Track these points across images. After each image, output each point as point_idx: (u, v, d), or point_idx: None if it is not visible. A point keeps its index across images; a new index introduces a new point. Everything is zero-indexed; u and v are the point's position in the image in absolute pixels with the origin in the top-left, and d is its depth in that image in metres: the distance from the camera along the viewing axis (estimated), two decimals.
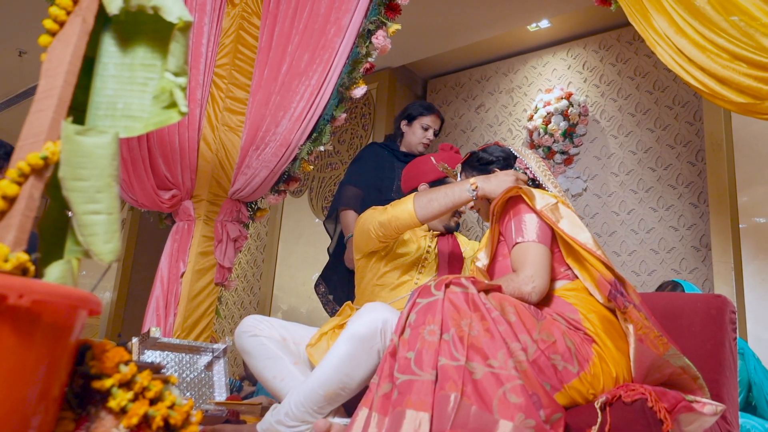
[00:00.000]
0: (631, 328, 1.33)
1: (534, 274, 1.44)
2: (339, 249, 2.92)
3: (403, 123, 2.94)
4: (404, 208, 1.90)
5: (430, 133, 2.90)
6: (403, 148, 2.96)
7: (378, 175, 2.89)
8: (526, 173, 1.80)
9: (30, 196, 0.68)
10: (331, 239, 2.99)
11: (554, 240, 1.55)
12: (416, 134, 2.89)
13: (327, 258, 3.00)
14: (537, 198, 1.55)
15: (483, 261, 1.66)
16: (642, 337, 1.31)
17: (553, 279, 1.52)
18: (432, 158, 2.21)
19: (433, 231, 2.22)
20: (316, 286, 2.97)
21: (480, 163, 1.90)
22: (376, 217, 1.97)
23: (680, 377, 1.37)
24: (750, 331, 3.10)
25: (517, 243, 1.53)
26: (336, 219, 2.94)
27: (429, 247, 2.14)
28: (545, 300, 1.48)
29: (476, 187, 1.77)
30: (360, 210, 2.57)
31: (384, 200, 2.22)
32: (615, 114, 4.37)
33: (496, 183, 1.74)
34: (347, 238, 2.74)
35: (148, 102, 0.80)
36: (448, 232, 2.24)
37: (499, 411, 1.13)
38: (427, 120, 2.89)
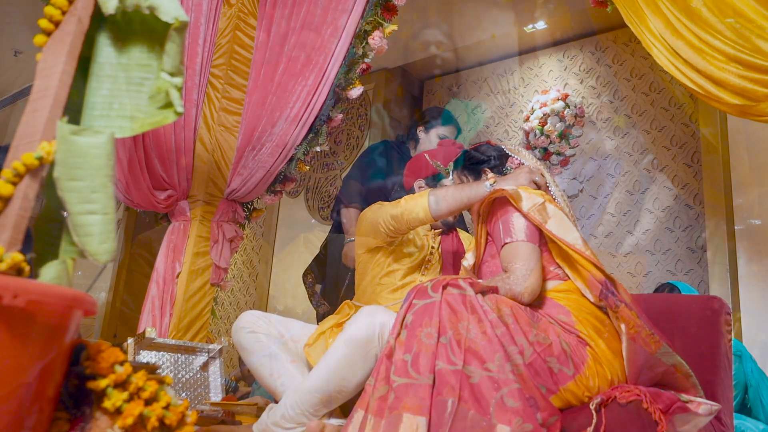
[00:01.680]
0: (623, 327, 1.34)
1: (525, 274, 1.44)
2: (333, 243, 2.91)
3: (420, 129, 2.88)
4: (419, 203, 1.87)
5: None
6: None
7: (386, 176, 2.85)
8: None
9: (25, 196, 0.68)
10: (330, 232, 2.98)
11: (543, 239, 1.55)
12: (432, 143, 2.80)
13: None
14: (524, 199, 1.54)
15: (470, 261, 1.66)
16: (634, 335, 1.31)
17: (543, 279, 1.51)
18: (426, 155, 2.20)
19: (435, 230, 2.20)
20: (304, 275, 2.97)
21: (471, 162, 1.90)
22: (388, 210, 1.94)
23: (673, 376, 1.38)
24: (745, 332, 3.10)
25: (506, 243, 1.52)
26: (339, 214, 2.91)
27: (432, 247, 2.12)
28: (538, 301, 1.48)
29: (494, 182, 1.74)
30: (363, 208, 2.54)
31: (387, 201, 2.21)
32: (611, 115, 4.38)
33: (512, 178, 1.74)
34: (348, 240, 2.72)
35: (144, 102, 0.79)
36: (447, 227, 2.22)
37: (496, 415, 1.12)
38: (445, 130, 2.82)
